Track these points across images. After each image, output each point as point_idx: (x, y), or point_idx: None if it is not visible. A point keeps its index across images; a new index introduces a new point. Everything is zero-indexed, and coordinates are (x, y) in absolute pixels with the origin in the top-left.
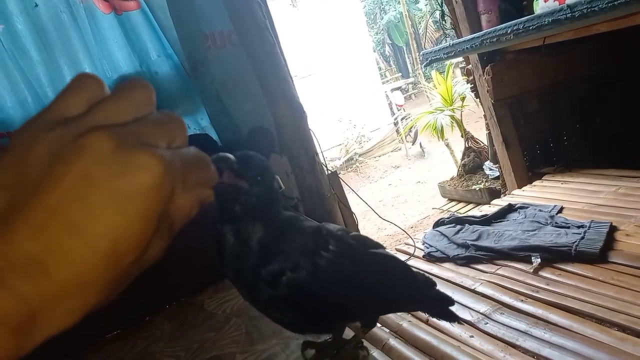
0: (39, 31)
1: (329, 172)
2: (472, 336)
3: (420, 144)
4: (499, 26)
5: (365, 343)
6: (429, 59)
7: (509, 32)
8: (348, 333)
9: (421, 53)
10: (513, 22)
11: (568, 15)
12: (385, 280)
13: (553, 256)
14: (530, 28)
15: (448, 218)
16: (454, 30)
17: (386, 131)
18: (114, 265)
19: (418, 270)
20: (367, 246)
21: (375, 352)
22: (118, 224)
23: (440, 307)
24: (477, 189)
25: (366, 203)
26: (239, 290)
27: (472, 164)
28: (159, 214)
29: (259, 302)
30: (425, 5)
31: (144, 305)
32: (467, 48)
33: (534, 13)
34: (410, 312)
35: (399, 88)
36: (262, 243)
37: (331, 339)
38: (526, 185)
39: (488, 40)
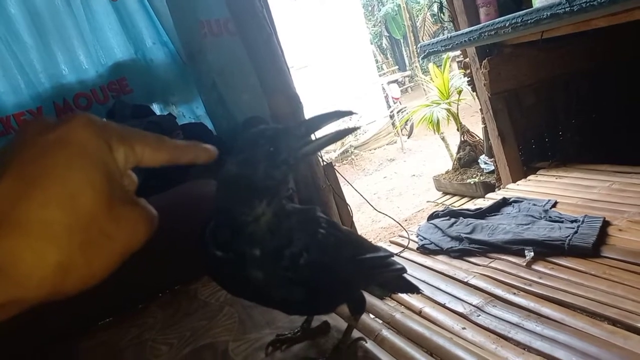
0: (32, 16)
1: (325, 163)
2: (464, 328)
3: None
4: (497, 19)
5: (357, 334)
6: (427, 51)
7: (507, 25)
8: (340, 325)
9: (419, 45)
10: (511, 15)
11: (567, 9)
12: (363, 250)
13: (546, 250)
14: (529, 22)
15: (442, 211)
16: (452, 23)
17: (382, 124)
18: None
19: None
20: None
21: (367, 343)
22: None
23: (397, 274)
24: (472, 182)
25: (361, 195)
26: (235, 289)
27: (467, 158)
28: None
29: (271, 294)
30: None
31: (138, 293)
32: (464, 41)
33: (532, 7)
34: (391, 293)
35: (395, 81)
36: (271, 230)
37: (299, 331)
38: (521, 179)
39: (486, 34)
